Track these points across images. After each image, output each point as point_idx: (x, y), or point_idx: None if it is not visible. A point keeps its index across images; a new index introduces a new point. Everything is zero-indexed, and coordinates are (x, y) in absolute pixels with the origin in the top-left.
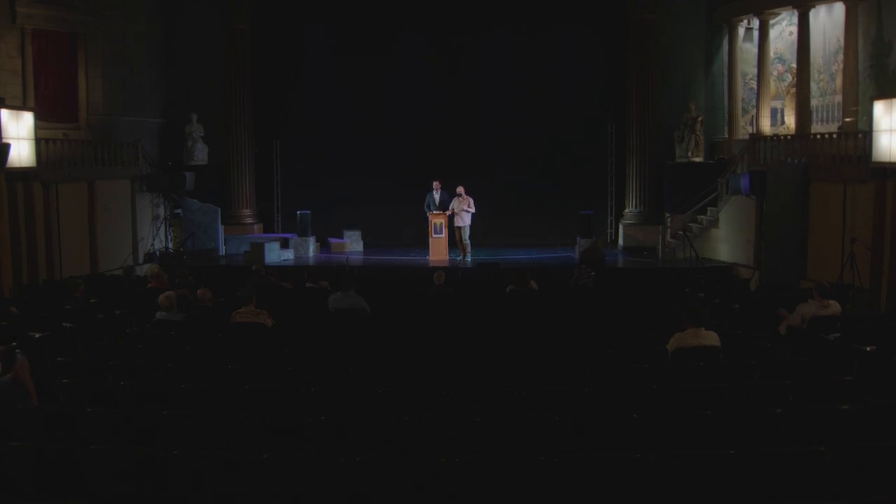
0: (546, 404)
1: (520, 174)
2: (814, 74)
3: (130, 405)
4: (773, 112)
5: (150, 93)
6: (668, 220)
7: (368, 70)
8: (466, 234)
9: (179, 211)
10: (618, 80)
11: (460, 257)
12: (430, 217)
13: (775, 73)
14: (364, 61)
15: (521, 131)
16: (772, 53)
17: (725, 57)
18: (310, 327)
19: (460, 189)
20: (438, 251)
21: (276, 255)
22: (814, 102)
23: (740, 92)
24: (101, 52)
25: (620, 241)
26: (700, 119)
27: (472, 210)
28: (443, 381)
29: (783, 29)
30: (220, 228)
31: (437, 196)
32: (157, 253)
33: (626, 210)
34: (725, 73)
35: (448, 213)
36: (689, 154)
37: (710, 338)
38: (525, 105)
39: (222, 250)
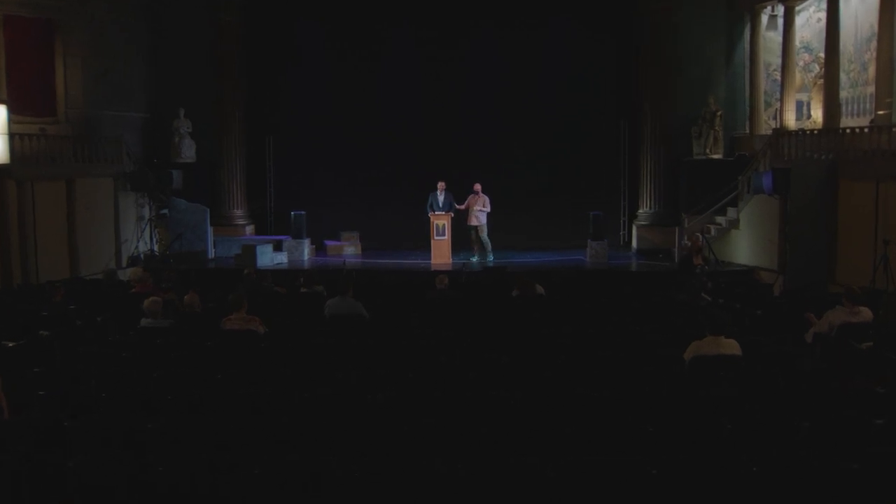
0: (555, 415)
1: (526, 173)
2: (843, 64)
3: (113, 417)
4: (799, 105)
5: (135, 85)
6: (685, 220)
7: (367, 64)
8: (484, 232)
9: (166, 211)
10: (630, 72)
11: (474, 258)
12: (432, 218)
13: (801, 63)
14: (363, 55)
15: (528, 128)
16: (798, 42)
17: (747, 46)
18: (304, 334)
19: (477, 187)
20: (441, 254)
21: (268, 257)
22: (843, 94)
23: (763, 84)
24: (80, 41)
25: (634, 243)
26: (719, 113)
27: (487, 209)
28: (445, 389)
29: (810, 15)
30: (210, 230)
31: (440, 197)
32: (142, 256)
33: (640, 210)
34: (747, 63)
35: (462, 207)
36: (708, 150)
37: (731, 346)
38: (532, 100)
39: (212, 253)
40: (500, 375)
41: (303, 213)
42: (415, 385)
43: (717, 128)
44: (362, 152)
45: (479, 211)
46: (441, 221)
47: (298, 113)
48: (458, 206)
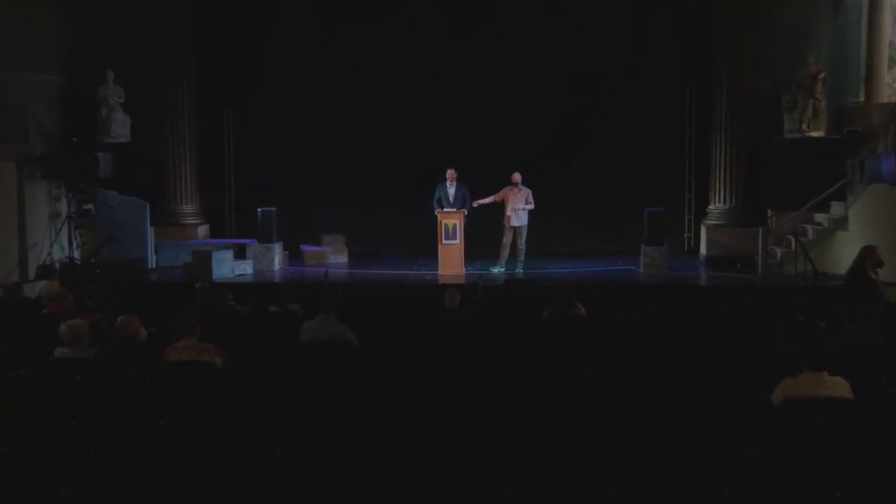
0: (602, 478)
1: (563, 161)
2: None
3: (12, 482)
4: None
5: (48, 40)
6: (772, 219)
7: (363, 25)
8: (524, 237)
9: (91, 206)
10: (701, 25)
11: (497, 268)
12: (439, 217)
13: None
14: (358, 13)
15: (564, 102)
16: None
17: None
18: (274, 367)
19: (516, 177)
20: (451, 263)
21: (228, 267)
22: None
23: (888, 33)
24: None
25: (703, 249)
26: (822, 77)
27: (531, 206)
28: (456, 443)
29: None
30: (150, 231)
31: (451, 189)
32: (58, 265)
33: (711, 206)
34: (865, 5)
35: (490, 200)
36: (805, 126)
37: (838, 386)
38: (569, 66)
39: (153, 261)
40: (535, 425)
41: (273, 209)
42: (416, 439)
43: (817, 96)
44: (351, 135)
45: (522, 209)
46: (451, 221)
47: (269, 79)
48: (479, 202)
